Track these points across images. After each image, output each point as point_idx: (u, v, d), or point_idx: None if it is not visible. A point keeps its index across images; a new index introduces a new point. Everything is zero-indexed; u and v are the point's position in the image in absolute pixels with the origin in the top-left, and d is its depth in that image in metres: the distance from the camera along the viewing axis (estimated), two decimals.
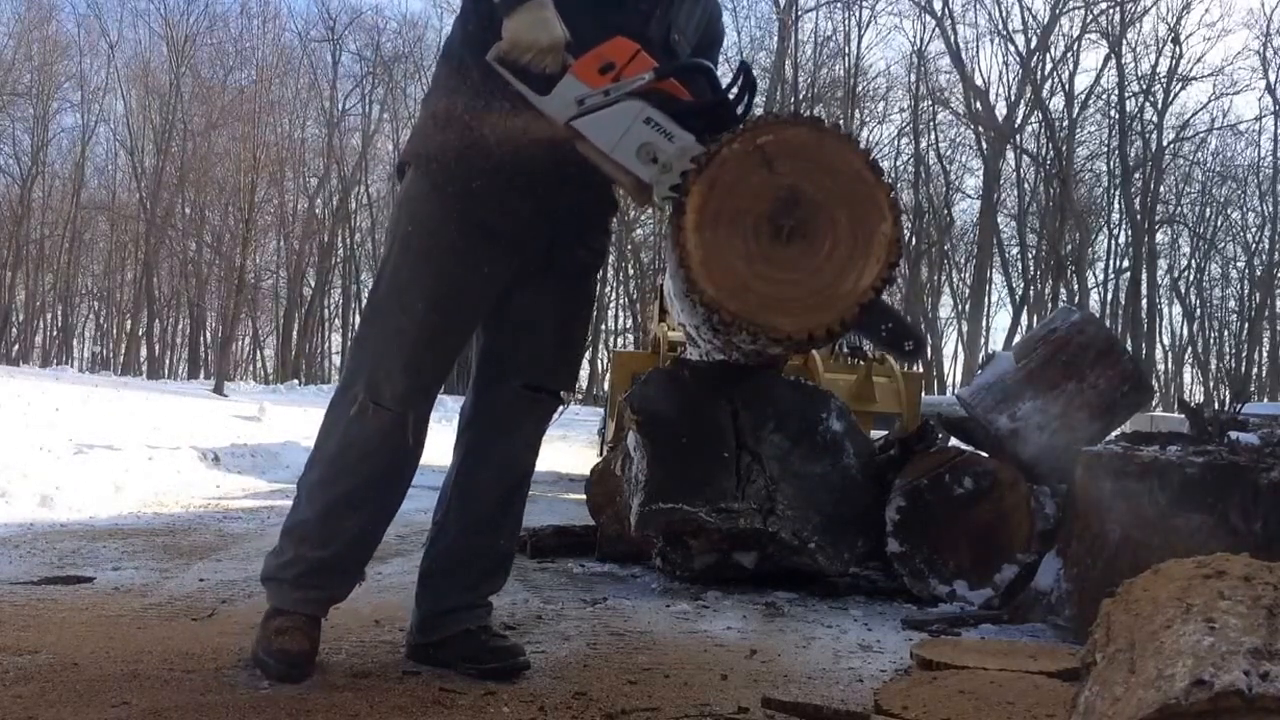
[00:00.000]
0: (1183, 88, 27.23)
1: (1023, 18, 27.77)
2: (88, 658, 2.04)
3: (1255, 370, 28.94)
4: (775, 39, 26.88)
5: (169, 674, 1.95)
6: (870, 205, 1.98)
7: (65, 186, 32.37)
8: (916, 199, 27.12)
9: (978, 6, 26.97)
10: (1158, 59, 26.26)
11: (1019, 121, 26.76)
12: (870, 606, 3.10)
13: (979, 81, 27.30)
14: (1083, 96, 26.80)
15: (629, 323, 30.53)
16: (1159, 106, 26.47)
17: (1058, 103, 26.63)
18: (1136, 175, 26.10)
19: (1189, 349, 31.04)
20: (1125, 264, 27.11)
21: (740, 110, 2.00)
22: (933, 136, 28.29)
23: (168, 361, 34.48)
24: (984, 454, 3.58)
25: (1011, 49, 27.11)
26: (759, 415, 3.20)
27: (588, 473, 4.05)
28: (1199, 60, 36.14)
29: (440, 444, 2.43)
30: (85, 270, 34.87)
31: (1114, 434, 3.66)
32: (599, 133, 1.92)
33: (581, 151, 1.95)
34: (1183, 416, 4.46)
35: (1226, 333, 31.21)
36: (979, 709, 1.72)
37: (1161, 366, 29.76)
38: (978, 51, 37.54)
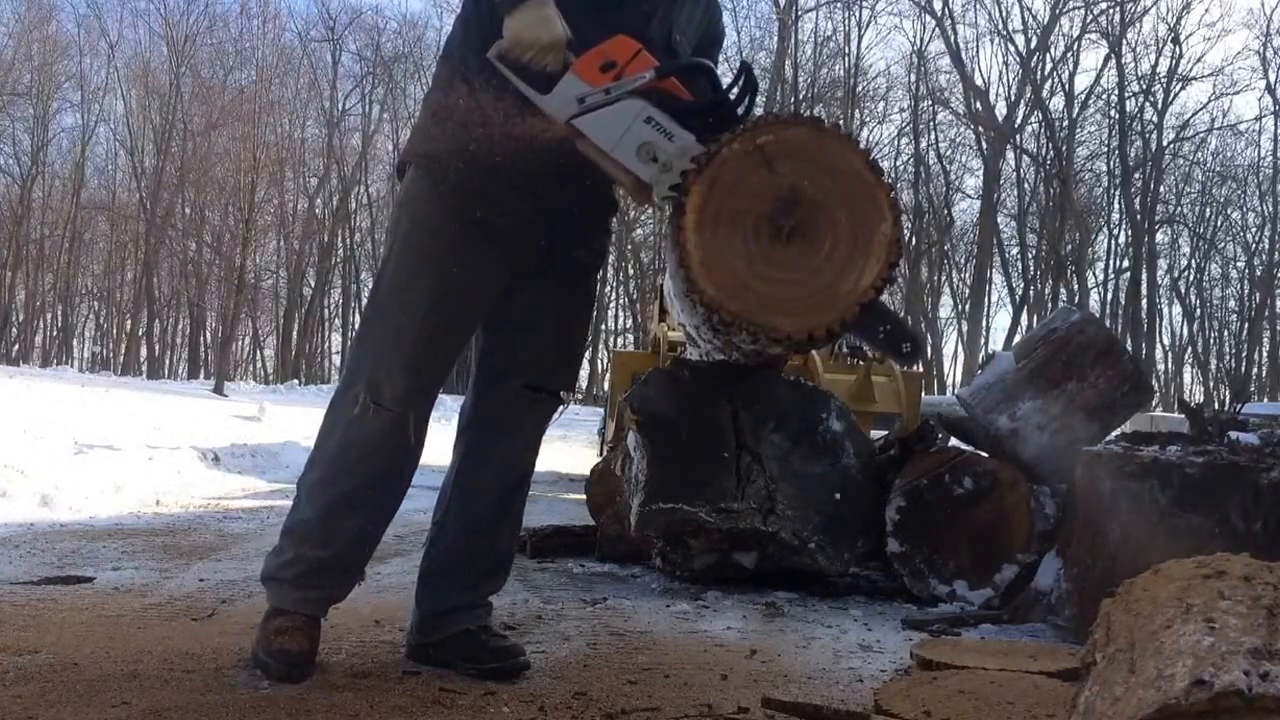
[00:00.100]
0: (1183, 88, 27.28)
1: (1023, 18, 27.82)
2: (88, 658, 2.04)
3: (1255, 370, 28.97)
4: (775, 39, 26.90)
5: (169, 674, 1.95)
6: (870, 205, 1.98)
7: (65, 186, 32.38)
8: (916, 199, 27.13)
9: (978, 6, 27.01)
10: (1158, 59, 26.31)
11: (1019, 121, 26.77)
12: (870, 606, 3.10)
13: (979, 81, 27.35)
14: (1083, 96, 26.85)
15: (629, 323, 30.55)
16: (1159, 106, 26.50)
17: (1058, 103, 26.68)
18: (1136, 175, 26.11)
19: (1189, 349, 31.07)
20: (1125, 264, 27.13)
21: (741, 111, 2.00)
22: (933, 136, 28.34)
23: (168, 361, 34.49)
24: (984, 454, 3.58)
25: (1011, 49, 27.15)
26: (759, 415, 3.20)
27: (588, 473, 4.05)
28: (1199, 60, 36.20)
29: (440, 444, 2.43)
30: (85, 270, 34.88)
31: (1114, 434, 3.66)
32: (599, 131, 1.92)
33: (582, 150, 1.95)
34: (1183, 416, 4.46)
35: (1226, 333, 31.25)
36: (979, 709, 1.72)
37: (1161, 366, 29.79)
38: (978, 51, 37.57)
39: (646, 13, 2.05)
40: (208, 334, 33.08)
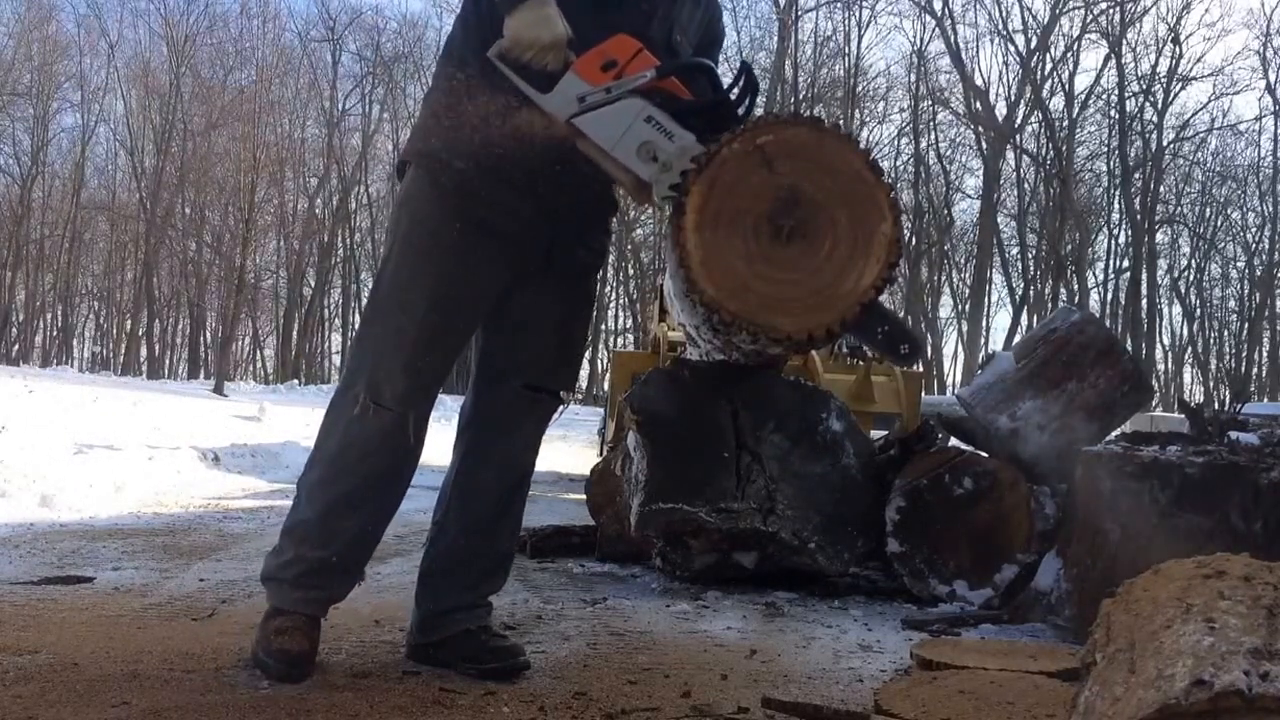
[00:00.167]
0: (1183, 88, 27.29)
1: (1023, 18, 27.83)
2: (88, 658, 2.04)
3: (1255, 370, 28.98)
4: (775, 39, 26.90)
5: (169, 674, 1.95)
6: (870, 205, 1.98)
7: (65, 186, 32.39)
8: (916, 199, 27.13)
9: (978, 6, 27.03)
10: (1158, 59, 26.31)
11: (1019, 121, 26.77)
12: (870, 606, 3.10)
13: (979, 81, 27.35)
14: (1083, 96, 26.86)
15: (629, 323, 30.55)
16: (1159, 106, 26.50)
17: (1058, 103, 26.69)
18: (1136, 175, 26.11)
19: (1189, 349, 31.08)
20: (1125, 264, 27.14)
21: (742, 111, 2.00)
22: (933, 136, 28.35)
23: (168, 361, 34.49)
24: (984, 454, 3.58)
25: (1011, 49, 27.16)
26: (759, 415, 3.20)
27: (588, 473, 4.05)
28: (1199, 60, 36.27)
29: (440, 444, 2.43)
30: (85, 270, 34.89)
31: (1114, 434, 3.66)
32: (599, 130, 1.92)
33: (582, 149, 1.95)
34: (1183, 416, 4.46)
35: (1226, 333, 31.26)
36: (979, 709, 1.72)
37: (1161, 366, 29.79)
38: (978, 51, 37.60)
39: (647, 12, 2.05)
40: (208, 334, 33.10)
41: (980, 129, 26.66)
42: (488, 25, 1.96)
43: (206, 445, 6.84)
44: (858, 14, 27.51)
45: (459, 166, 2.01)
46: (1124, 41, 25.80)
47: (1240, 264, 29.71)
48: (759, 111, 2.06)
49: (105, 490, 4.74)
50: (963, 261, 29.68)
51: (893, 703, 1.75)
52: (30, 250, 31.56)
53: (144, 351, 32.52)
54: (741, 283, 1.97)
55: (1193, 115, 27.65)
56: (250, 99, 25.72)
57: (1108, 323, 22.49)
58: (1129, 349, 5.79)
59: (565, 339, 2.20)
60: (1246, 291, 29.28)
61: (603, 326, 29.55)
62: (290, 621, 2.01)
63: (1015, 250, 27.63)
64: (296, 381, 26.83)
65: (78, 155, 31.88)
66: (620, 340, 30.72)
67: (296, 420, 10.79)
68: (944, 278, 29.93)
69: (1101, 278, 28.67)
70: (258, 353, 36.42)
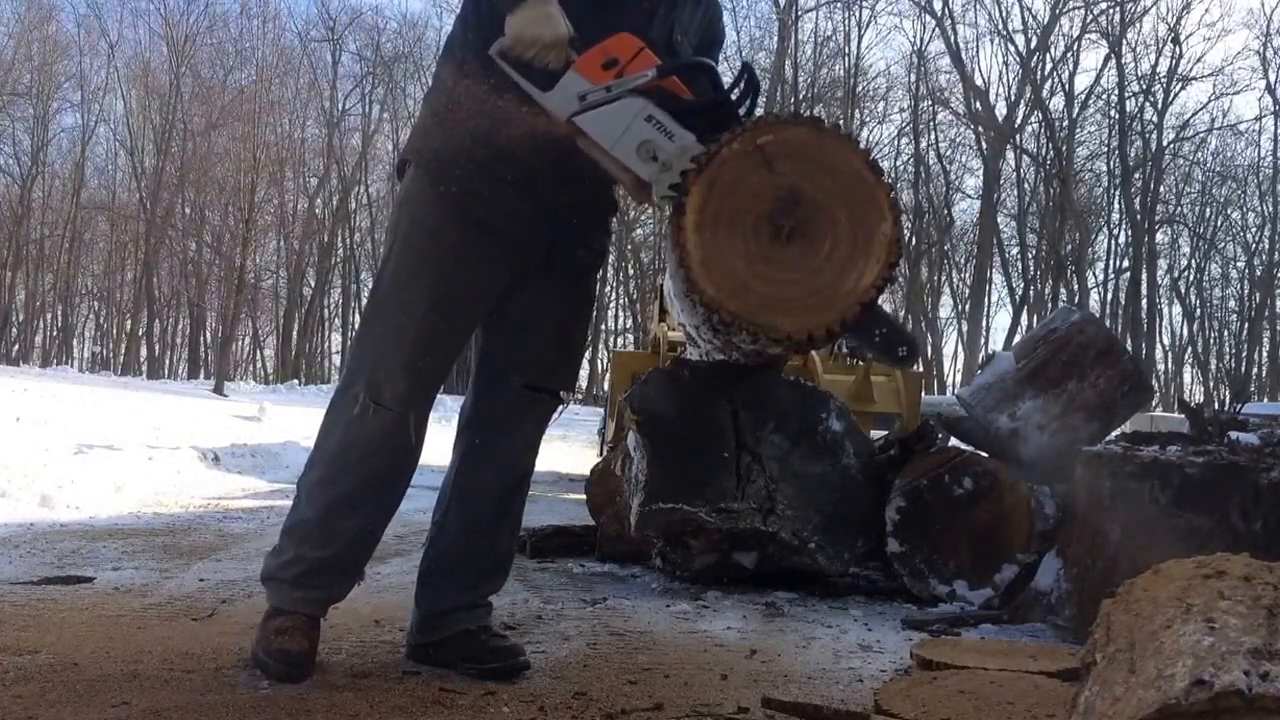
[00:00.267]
0: (1183, 88, 27.30)
1: (1023, 18, 27.85)
2: (88, 658, 2.04)
3: (1255, 370, 28.98)
4: (775, 39, 26.90)
5: (169, 674, 1.95)
6: (870, 205, 1.98)
7: (65, 186, 32.39)
8: (916, 199, 27.13)
9: (978, 6, 27.03)
10: (1158, 59, 26.32)
11: (1019, 121, 26.77)
12: (870, 606, 3.10)
13: (979, 81, 27.35)
14: (1083, 96, 26.86)
15: (629, 323, 30.55)
16: (1159, 106, 26.51)
17: (1058, 103, 26.69)
18: (1136, 175, 26.11)
19: (1189, 349, 31.08)
20: (1125, 264, 27.14)
21: (743, 111, 2.00)
22: (933, 136, 28.34)
23: (168, 361, 34.50)
24: (984, 454, 3.58)
25: (1011, 49, 27.16)
26: (759, 415, 3.20)
27: (588, 473, 4.05)
28: (1199, 60, 36.30)
29: (440, 444, 2.43)
30: (85, 270, 34.90)
31: (1114, 434, 3.66)
32: (600, 129, 1.92)
33: (582, 148, 1.95)
34: (1183, 416, 4.46)
35: (1226, 333, 31.26)
36: (979, 709, 1.72)
37: (1161, 366, 29.79)
38: (978, 51, 37.61)
39: (648, 11, 2.05)
40: (208, 334, 33.11)
41: (980, 129, 26.67)
42: (488, 25, 1.95)
43: (206, 445, 6.84)
44: (858, 14, 27.56)
45: (459, 166, 2.00)
46: (1124, 41, 25.83)
47: (1240, 264, 29.76)
48: (759, 111, 2.06)
49: (105, 490, 4.74)
50: (963, 261, 29.70)
51: (893, 703, 1.75)
52: (30, 250, 31.56)
53: (144, 351, 32.52)
54: (741, 283, 1.97)
55: (1193, 115, 27.72)
56: (250, 99, 25.73)
57: (1108, 323, 22.50)
58: (1129, 349, 5.80)
59: (565, 339, 2.20)
60: (1246, 291, 29.31)
61: (603, 326, 29.55)
62: (290, 621, 2.01)
63: (1015, 250, 27.67)
64: (296, 381, 26.83)
65: (78, 155, 31.92)
66: (620, 340, 30.74)
67: (296, 420, 10.80)
68: (944, 278, 29.95)
69: (1101, 278, 28.72)
70: (258, 353, 36.46)
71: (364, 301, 2.36)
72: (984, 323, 27.13)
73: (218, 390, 18.79)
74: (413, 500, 2.31)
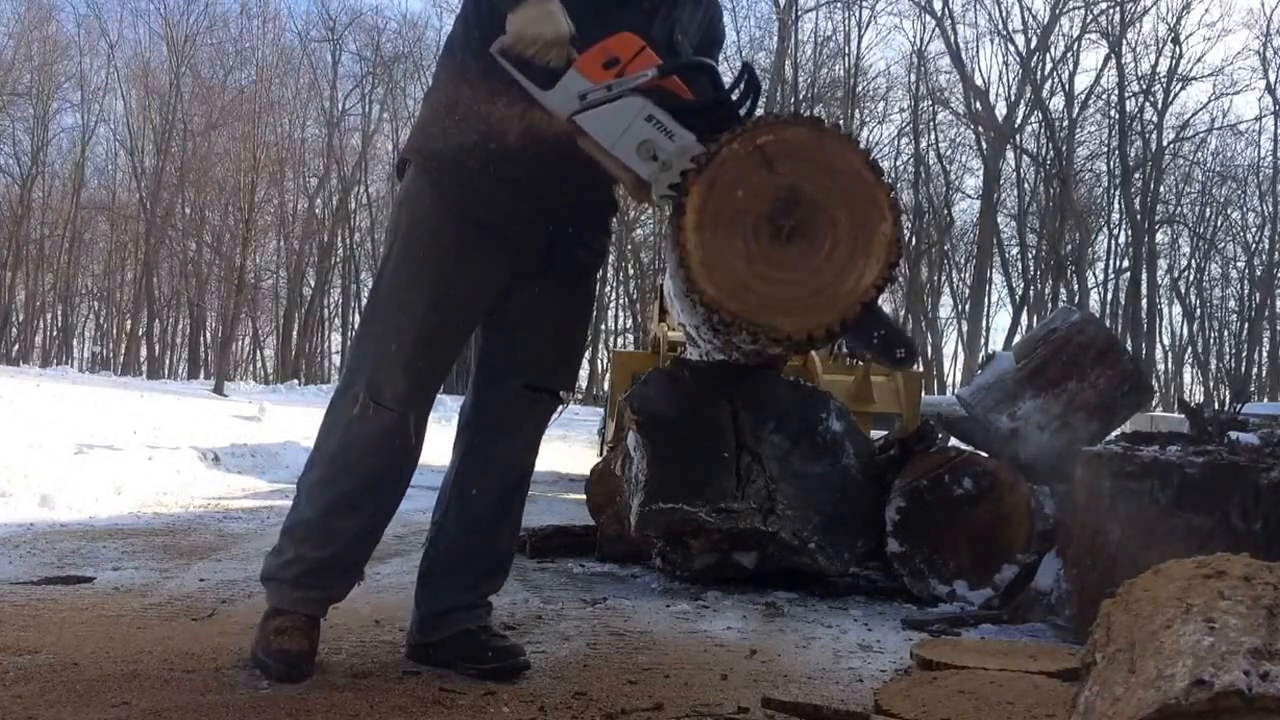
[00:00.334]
0: (1183, 88, 27.29)
1: (1023, 18, 27.83)
2: (88, 658, 2.04)
3: (1255, 370, 28.98)
4: (775, 39, 26.89)
5: (169, 674, 1.95)
6: (870, 205, 1.98)
7: (65, 186, 32.39)
8: (916, 199, 27.13)
9: (978, 6, 27.03)
10: (1158, 59, 26.31)
11: (1019, 121, 26.78)
12: (870, 606, 3.10)
13: (979, 81, 27.35)
14: (1083, 96, 26.86)
15: (629, 323, 30.55)
16: (1159, 106, 26.51)
17: (1058, 103, 26.69)
18: (1136, 175, 26.11)
19: (1189, 349, 31.08)
20: (1125, 264, 27.14)
21: (743, 112, 2.00)
22: (933, 136, 28.34)
23: (168, 361, 34.49)
24: (984, 454, 3.58)
25: (1011, 49, 27.16)
26: (759, 415, 3.20)
27: (588, 473, 4.05)
28: (1199, 60, 36.27)
29: (440, 444, 2.43)
30: (85, 270, 34.89)
31: (1114, 434, 3.66)
32: (600, 128, 1.92)
33: (582, 147, 1.94)
34: (1183, 416, 4.46)
35: (1226, 333, 31.27)
36: (979, 709, 1.72)
37: (1161, 366, 29.80)
38: (978, 51, 37.60)
39: (648, 11, 2.05)
40: (208, 334, 33.11)
41: (980, 129, 26.67)
42: (488, 24, 1.96)
43: (206, 445, 6.84)
44: (858, 14, 27.55)
45: (459, 166, 2.00)
46: (1124, 41, 25.83)
47: (1240, 264, 29.76)
48: (759, 112, 2.06)
49: (105, 490, 4.74)
50: (963, 261, 29.70)
51: (893, 703, 1.75)
52: (30, 250, 31.56)
53: (144, 351, 32.52)
54: (741, 283, 1.97)
55: (1193, 115, 27.72)
56: (250, 99, 25.73)
57: (1108, 323, 22.49)
58: (1129, 349, 5.80)
59: (565, 339, 2.20)
60: (1246, 291, 29.31)
61: (603, 326, 29.55)
62: (290, 621, 2.01)
63: (1015, 250, 27.67)
64: (296, 381, 26.83)
65: (78, 155, 31.92)
66: (620, 340, 30.74)
67: (296, 420, 10.80)
68: (944, 278, 29.94)
69: (1101, 278, 28.72)
70: (258, 353, 36.46)
71: (364, 301, 2.36)
72: (984, 323, 27.17)
73: (218, 390, 18.79)
74: (413, 500, 2.31)
